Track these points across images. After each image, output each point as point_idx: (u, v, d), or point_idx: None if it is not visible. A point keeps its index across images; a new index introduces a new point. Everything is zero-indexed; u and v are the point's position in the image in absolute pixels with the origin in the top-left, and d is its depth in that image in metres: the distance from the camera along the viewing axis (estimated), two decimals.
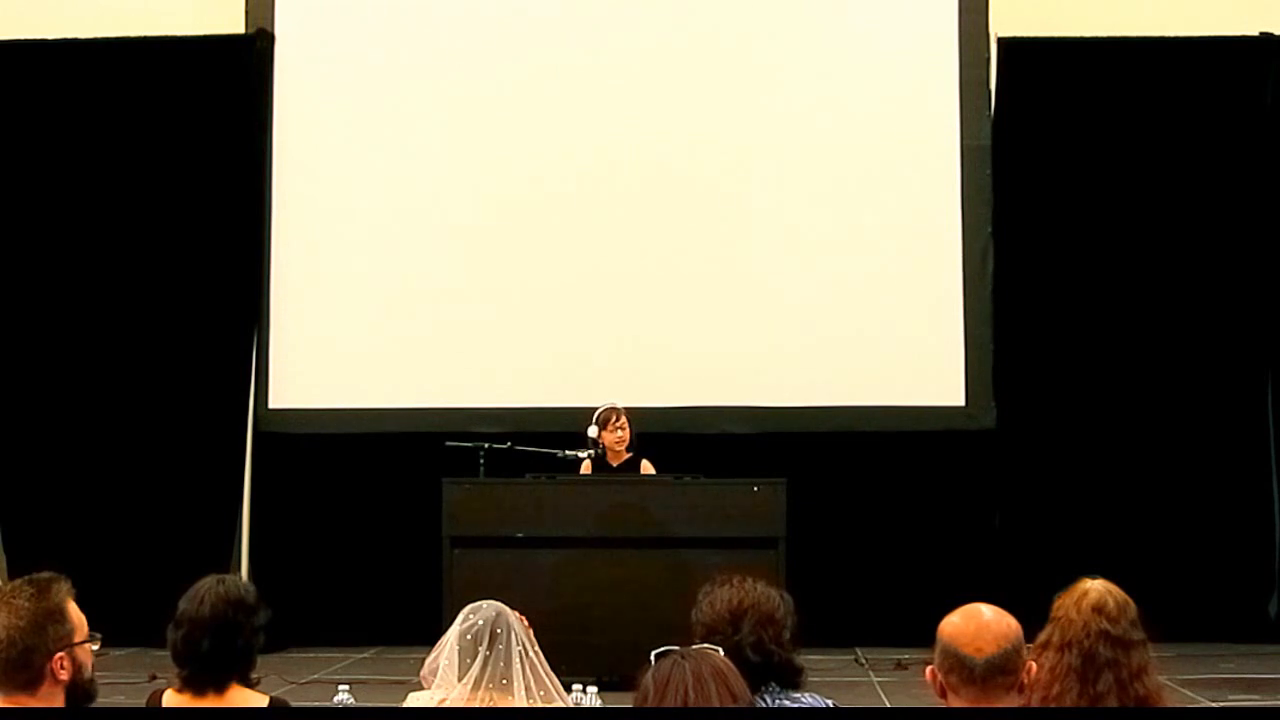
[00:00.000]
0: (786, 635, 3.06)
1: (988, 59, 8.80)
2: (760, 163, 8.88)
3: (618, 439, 7.10)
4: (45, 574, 2.79)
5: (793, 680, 3.05)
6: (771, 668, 3.01)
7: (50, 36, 8.94)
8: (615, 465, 7.15)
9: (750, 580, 3.12)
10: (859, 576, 8.43)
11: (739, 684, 2.34)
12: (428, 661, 3.37)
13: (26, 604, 2.70)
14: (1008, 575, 7.69)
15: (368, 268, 8.99)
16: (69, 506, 8.72)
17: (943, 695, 2.71)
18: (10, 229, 8.99)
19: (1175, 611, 7.00)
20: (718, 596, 3.09)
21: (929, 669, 2.73)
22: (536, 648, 3.37)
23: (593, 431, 7.09)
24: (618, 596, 6.66)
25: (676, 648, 2.42)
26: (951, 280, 8.79)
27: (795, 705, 3.00)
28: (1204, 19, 8.65)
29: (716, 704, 2.27)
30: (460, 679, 3.25)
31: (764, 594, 3.09)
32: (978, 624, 2.68)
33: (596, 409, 7.19)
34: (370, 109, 9.07)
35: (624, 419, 7.11)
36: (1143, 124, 8.68)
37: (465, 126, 9.01)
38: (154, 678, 6.07)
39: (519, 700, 3.26)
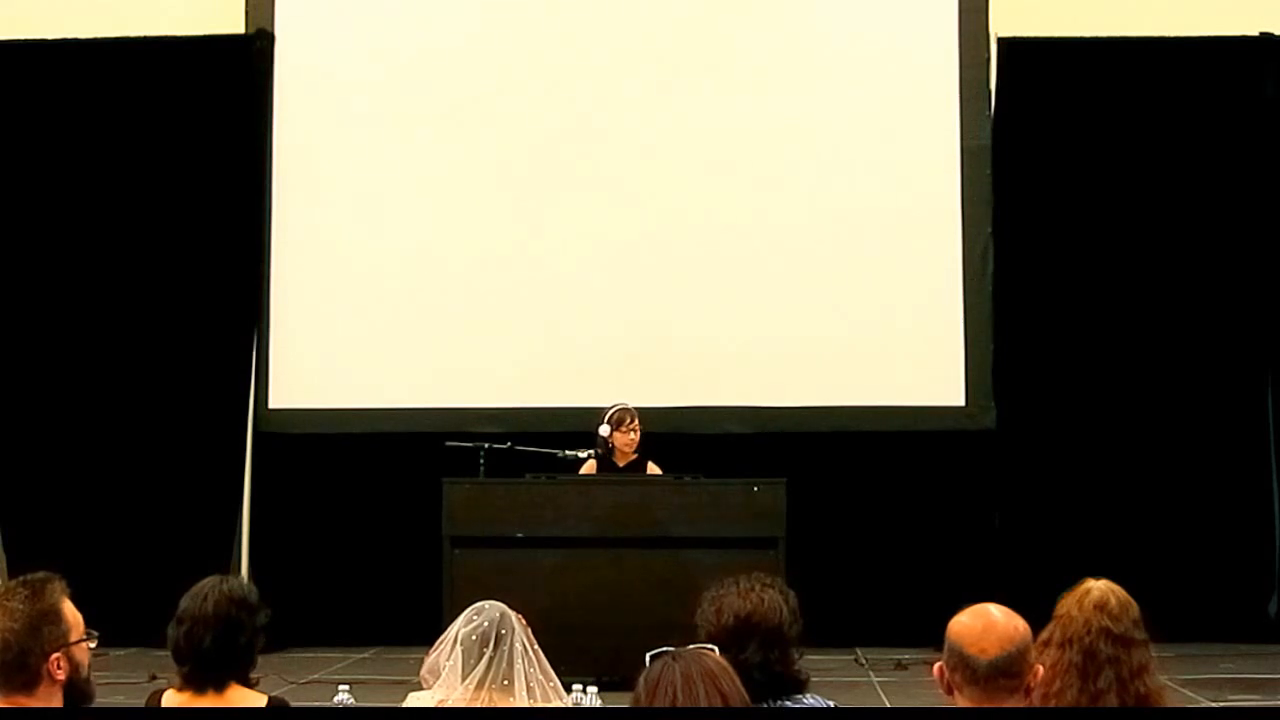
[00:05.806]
0: (793, 652, 3.03)
1: (988, 59, 8.79)
2: (760, 163, 8.86)
3: (629, 440, 7.04)
4: (40, 574, 2.78)
5: (796, 689, 3.05)
6: (776, 685, 2.99)
7: (50, 36, 8.94)
8: (621, 466, 7.12)
9: (759, 587, 3.07)
10: (859, 576, 8.42)
11: (730, 685, 2.33)
12: (428, 661, 3.38)
13: (21, 605, 2.69)
14: (1008, 575, 7.68)
15: (368, 268, 8.98)
16: (69, 506, 8.71)
17: (949, 692, 2.71)
18: (10, 229, 8.97)
19: (1175, 611, 6.97)
20: (725, 605, 3.04)
21: (937, 665, 2.73)
22: (536, 647, 3.38)
23: (604, 430, 7.03)
24: (618, 596, 6.64)
25: (672, 648, 2.42)
26: (951, 281, 8.78)
27: (796, 706, 3.00)
28: (1204, 19, 8.63)
29: (705, 704, 2.26)
30: (464, 679, 3.25)
31: (772, 605, 3.03)
32: (985, 624, 2.67)
33: (598, 409, 7.17)
34: (370, 109, 9.07)
35: (636, 421, 7.06)
36: (1143, 124, 8.67)
37: (465, 126, 9.00)
38: (154, 678, 6.07)
39: (520, 700, 3.27)
